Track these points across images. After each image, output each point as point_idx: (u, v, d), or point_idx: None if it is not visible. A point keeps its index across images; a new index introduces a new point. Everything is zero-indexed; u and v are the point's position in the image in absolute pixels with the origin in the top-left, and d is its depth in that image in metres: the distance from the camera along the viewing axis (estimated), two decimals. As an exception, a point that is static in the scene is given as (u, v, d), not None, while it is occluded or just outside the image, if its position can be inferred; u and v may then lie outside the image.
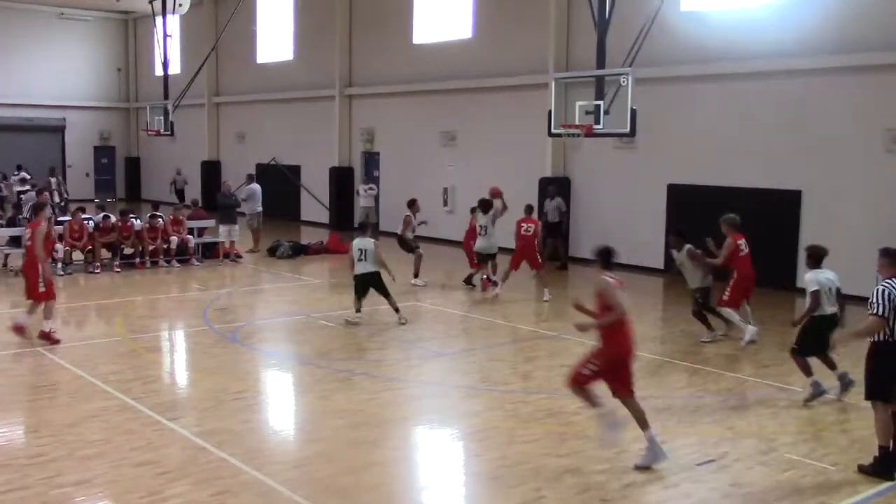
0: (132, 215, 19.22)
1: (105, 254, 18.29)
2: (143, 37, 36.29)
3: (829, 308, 8.93)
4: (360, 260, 12.90)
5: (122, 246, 18.39)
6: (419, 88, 23.69)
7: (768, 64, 16.28)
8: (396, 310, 13.01)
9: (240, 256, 19.85)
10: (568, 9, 19.71)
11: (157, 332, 13.38)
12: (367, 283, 12.92)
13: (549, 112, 15.00)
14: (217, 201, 20.72)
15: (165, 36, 26.58)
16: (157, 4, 26.50)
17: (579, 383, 7.31)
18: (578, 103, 14.30)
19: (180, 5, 29.08)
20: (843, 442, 8.06)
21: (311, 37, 27.70)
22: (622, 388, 7.29)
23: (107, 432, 8.01)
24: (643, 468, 7.17)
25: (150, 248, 18.60)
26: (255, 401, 9.58)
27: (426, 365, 10.97)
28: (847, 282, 15.34)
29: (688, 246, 12.11)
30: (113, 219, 18.79)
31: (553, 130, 15.06)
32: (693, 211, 17.68)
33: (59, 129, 36.09)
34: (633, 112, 13.42)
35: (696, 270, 12.12)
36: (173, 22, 30.05)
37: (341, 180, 26.57)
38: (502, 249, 16.56)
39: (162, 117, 25.24)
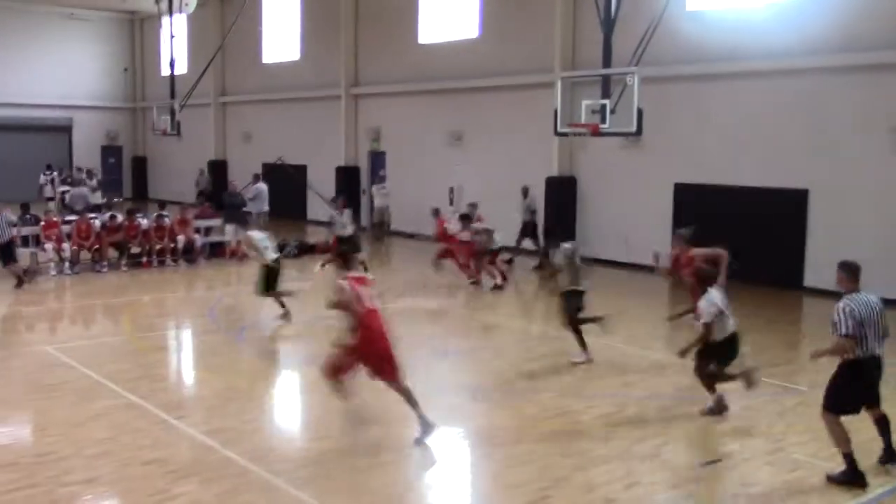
0: (139, 214, 19.26)
1: (112, 253, 18.32)
2: (149, 37, 36.34)
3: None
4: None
5: (129, 245, 18.42)
6: (425, 88, 23.69)
7: (775, 63, 16.23)
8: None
9: (245, 257, 19.83)
10: (574, 8, 19.69)
11: (164, 331, 13.41)
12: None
13: (556, 111, 15.01)
14: (223, 201, 20.76)
15: (172, 36, 26.64)
16: (164, 4, 26.54)
17: (335, 376, 7.73)
18: (584, 102, 14.31)
19: (186, 5, 29.12)
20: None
21: (317, 36, 27.71)
22: (387, 375, 7.74)
23: (114, 431, 8.03)
24: (421, 442, 7.66)
25: (157, 247, 18.63)
26: (261, 400, 9.60)
27: (432, 364, 10.96)
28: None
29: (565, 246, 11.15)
30: (120, 218, 18.84)
31: (559, 129, 15.08)
32: (699, 210, 17.68)
33: (66, 129, 36.16)
34: (640, 111, 13.42)
35: (568, 272, 11.03)
36: (180, 22, 30.12)
37: (348, 180, 26.59)
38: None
39: (169, 117, 25.28)
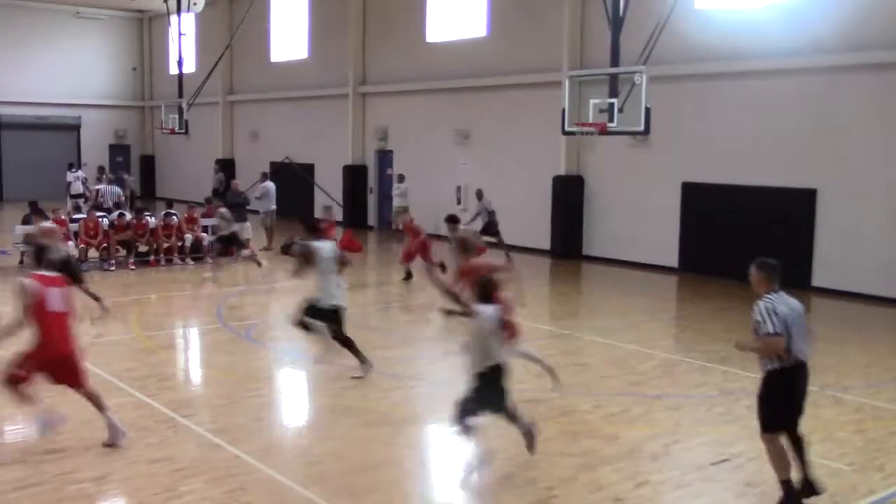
0: (147, 213, 19.30)
1: (120, 251, 18.37)
2: (157, 35, 36.44)
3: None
4: None
5: (137, 243, 18.47)
6: (433, 87, 23.69)
7: (783, 62, 16.18)
8: None
9: (257, 260, 19.89)
10: (582, 7, 19.66)
11: (172, 329, 13.43)
12: None
13: (563, 110, 14.98)
14: (227, 200, 20.82)
15: (180, 34, 26.69)
16: (172, 3, 26.60)
17: (12, 382, 7.28)
18: (592, 101, 14.27)
19: (195, 4, 29.20)
20: (859, 442, 8.01)
21: (325, 35, 27.74)
22: (70, 380, 7.48)
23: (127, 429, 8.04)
24: (110, 445, 7.47)
25: (165, 245, 18.67)
26: (268, 398, 9.61)
27: (439, 363, 10.97)
28: (865, 282, 15.43)
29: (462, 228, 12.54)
30: (128, 216, 18.87)
31: (567, 129, 15.04)
32: (707, 209, 17.65)
33: (74, 128, 36.27)
34: (648, 110, 13.38)
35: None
36: (188, 21, 30.17)
37: (355, 178, 26.61)
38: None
39: (176, 116, 25.35)
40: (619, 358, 11.02)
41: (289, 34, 29.51)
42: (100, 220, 18.31)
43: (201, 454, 7.48)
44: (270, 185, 22.06)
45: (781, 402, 6.38)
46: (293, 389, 10.35)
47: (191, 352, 12.43)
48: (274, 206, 21.80)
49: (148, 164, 38.25)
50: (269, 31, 30.15)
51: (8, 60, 33.69)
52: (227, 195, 21.46)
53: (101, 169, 29.70)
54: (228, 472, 7.03)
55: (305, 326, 10.00)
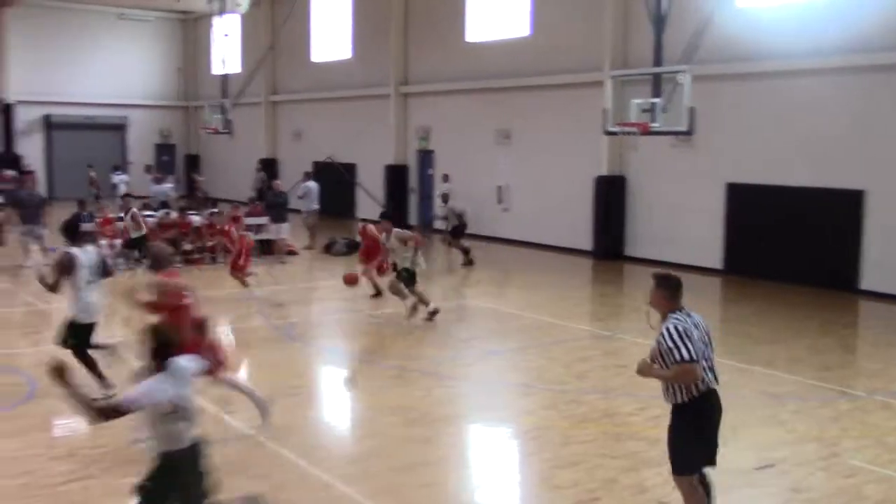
0: (191, 212, 19.53)
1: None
2: (202, 36, 36.87)
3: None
4: None
5: (182, 242, 18.70)
6: (474, 86, 23.68)
7: (829, 61, 15.89)
8: None
9: (294, 253, 20.05)
10: (625, 6, 19.51)
11: (215, 327, 13.55)
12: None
13: (605, 110, 14.90)
14: (268, 200, 21.01)
15: (223, 36, 26.98)
16: (216, 4, 26.89)
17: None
18: (635, 101, 14.18)
19: (238, 5, 29.48)
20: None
21: (367, 35, 27.86)
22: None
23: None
24: None
25: (209, 244, 18.89)
26: (310, 396, 9.68)
27: (479, 363, 10.96)
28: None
29: (395, 230, 13.03)
30: (173, 215, 19.11)
31: (609, 128, 14.96)
32: (752, 210, 17.42)
33: (121, 128, 36.87)
34: (691, 110, 13.25)
35: (405, 252, 12.85)
36: (231, 21, 30.47)
37: (396, 178, 26.69)
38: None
39: (220, 115, 25.63)
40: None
41: (330, 34, 29.70)
42: (147, 219, 18.54)
43: (244, 451, 7.55)
44: (313, 184, 22.22)
45: (697, 439, 5.55)
46: (334, 388, 10.41)
47: (233, 348, 12.52)
48: (317, 206, 21.96)
49: (193, 162, 38.73)
50: (310, 32, 30.38)
51: (58, 62, 34.34)
52: (268, 195, 21.66)
53: (148, 168, 30.20)
54: (270, 469, 7.09)
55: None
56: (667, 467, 6.91)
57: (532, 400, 9.30)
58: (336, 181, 27.95)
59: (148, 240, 17.50)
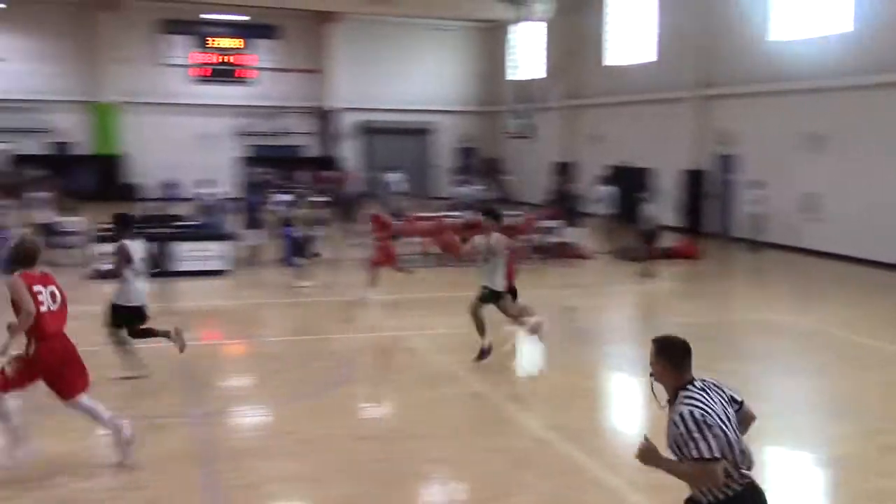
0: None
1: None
2: (500, 44, 37.97)
3: None
4: None
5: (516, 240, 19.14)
6: (780, 88, 22.24)
7: None
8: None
9: (586, 257, 20.02)
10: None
11: (506, 327, 13.88)
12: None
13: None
14: (561, 203, 21.17)
15: (523, 42, 27.58)
16: (520, 12, 27.57)
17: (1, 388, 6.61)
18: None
19: (539, 13, 30.07)
20: None
21: (667, 39, 27.21)
22: (66, 390, 6.74)
23: (460, 416, 8.50)
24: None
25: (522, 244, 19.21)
26: (604, 400, 9.62)
27: (784, 381, 10.27)
28: None
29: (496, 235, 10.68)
30: (475, 217, 19.77)
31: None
32: None
33: (427, 132, 39.03)
34: None
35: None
36: (532, 29, 31.17)
37: (693, 183, 25.82)
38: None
39: (521, 120, 26.17)
40: None
41: (628, 38, 29.36)
42: (449, 220, 19.32)
43: (533, 448, 7.67)
44: (610, 189, 22.07)
45: None
46: (629, 393, 10.25)
47: (527, 347, 12.70)
48: (613, 210, 21.78)
49: (493, 166, 40.04)
50: (605, 36, 30.23)
51: (375, 72, 37.06)
52: (563, 198, 21.83)
53: (458, 170, 31.28)
54: (559, 469, 7.14)
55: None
56: None
57: (840, 424, 8.57)
58: (633, 185, 27.61)
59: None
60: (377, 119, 37.56)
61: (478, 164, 38.35)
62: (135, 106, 34.21)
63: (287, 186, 23.67)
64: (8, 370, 6.56)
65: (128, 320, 9.40)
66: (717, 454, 4.04)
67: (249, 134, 36.35)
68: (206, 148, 34.31)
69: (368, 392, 9.67)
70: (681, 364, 4.33)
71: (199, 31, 36.04)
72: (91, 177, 32.36)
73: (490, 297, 10.34)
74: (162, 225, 18.25)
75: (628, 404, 9.78)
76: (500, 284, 10.37)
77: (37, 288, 6.55)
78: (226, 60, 36.61)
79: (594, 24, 28.25)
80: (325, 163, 35.14)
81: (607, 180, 22.96)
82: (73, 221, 18.63)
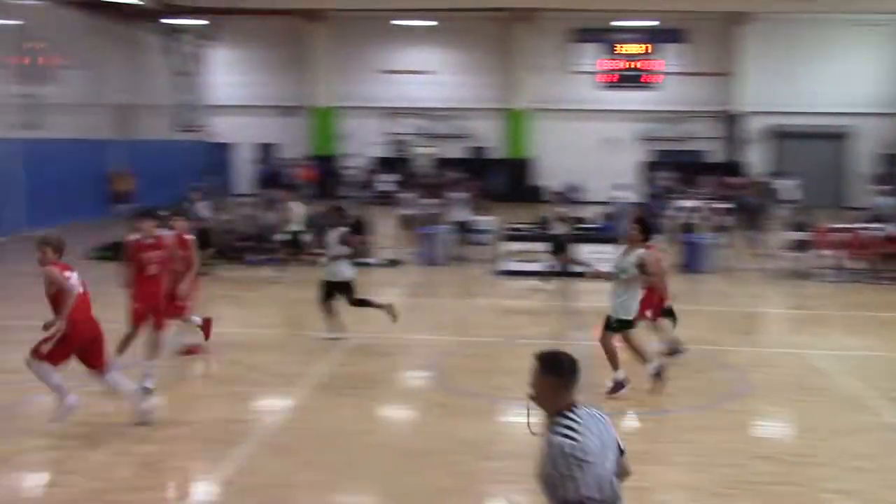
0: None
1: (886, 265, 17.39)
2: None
3: None
4: None
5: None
6: None
7: None
8: None
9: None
10: None
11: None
12: None
13: None
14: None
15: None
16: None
17: (41, 357, 7.51)
18: None
19: None
20: None
21: None
22: (94, 363, 7.81)
23: (869, 448, 7.83)
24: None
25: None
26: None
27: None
28: None
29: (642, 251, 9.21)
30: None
31: None
32: None
33: (844, 137, 35.89)
34: None
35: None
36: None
37: None
38: None
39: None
40: None
41: None
42: (866, 233, 17.72)
43: None
44: None
45: None
46: None
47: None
48: None
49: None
50: None
51: (787, 72, 35.01)
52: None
53: (880, 179, 28.62)
54: None
55: None
56: None
57: None
58: None
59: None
60: (788, 123, 35.52)
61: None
62: (544, 112, 36.01)
63: (689, 192, 23.46)
64: (44, 347, 7.54)
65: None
66: (590, 494, 3.65)
67: (653, 139, 36.45)
68: (610, 153, 35.05)
69: (769, 409, 9.27)
70: (566, 385, 3.81)
71: (607, 38, 36.82)
72: (503, 179, 34.61)
73: (620, 326, 9.30)
74: (565, 226, 18.96)
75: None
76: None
77: (67, 274, 7.62)
78: (633, 66, 37.02)
79: None
80: (731, 168, 34.05)
81: None
82: (486, 220, 20.17)
